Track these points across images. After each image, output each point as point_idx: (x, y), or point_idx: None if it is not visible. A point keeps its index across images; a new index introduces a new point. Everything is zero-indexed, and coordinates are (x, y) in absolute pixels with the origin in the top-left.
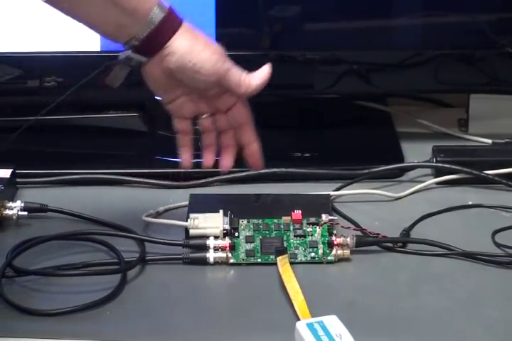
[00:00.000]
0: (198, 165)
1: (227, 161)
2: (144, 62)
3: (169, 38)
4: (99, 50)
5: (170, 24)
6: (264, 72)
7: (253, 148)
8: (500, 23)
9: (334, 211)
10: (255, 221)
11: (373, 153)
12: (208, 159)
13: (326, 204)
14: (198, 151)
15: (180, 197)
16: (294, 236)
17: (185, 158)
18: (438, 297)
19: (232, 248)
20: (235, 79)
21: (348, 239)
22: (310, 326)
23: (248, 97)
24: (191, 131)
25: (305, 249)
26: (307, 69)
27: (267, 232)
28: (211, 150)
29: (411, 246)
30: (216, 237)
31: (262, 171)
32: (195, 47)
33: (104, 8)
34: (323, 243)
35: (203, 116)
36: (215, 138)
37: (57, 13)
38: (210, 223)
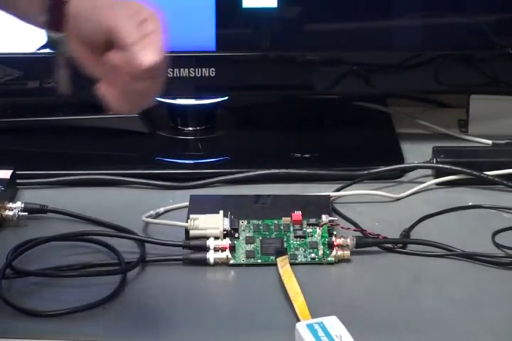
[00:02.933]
0: (198, 166)
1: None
2: (62, 38)
3: None
4: None
5: None
6: None
7: None
8: (500, 24)
9: (334, 212)
10: (255, 222)
11: (373, 154)
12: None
13: (326, 205)
14: (197, 152)
15: (181, 197)
16: (294, 237)
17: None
18: (438, 298)
19: (232, 249)
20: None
21: (348, 240)
22: (310, 327)
23: None
24: None
25: (305, 250)
26: (307, 70)
27: (267, 233)
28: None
29: (411, 247)
30: (216, 238)
31: (263, 172)
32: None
33: None
34: (323, 244)
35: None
36: None
37: None
38: (210, 224)
